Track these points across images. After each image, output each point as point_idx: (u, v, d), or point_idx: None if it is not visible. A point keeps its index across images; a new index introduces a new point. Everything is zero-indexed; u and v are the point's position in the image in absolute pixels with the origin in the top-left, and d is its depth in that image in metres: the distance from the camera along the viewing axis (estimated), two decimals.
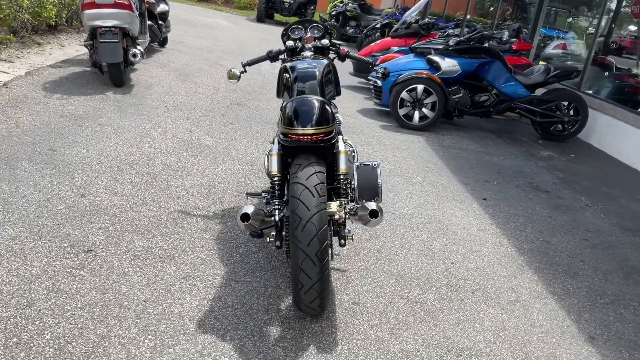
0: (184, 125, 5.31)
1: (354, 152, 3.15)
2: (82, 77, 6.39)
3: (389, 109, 7.02)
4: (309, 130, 2.46)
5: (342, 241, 2.62)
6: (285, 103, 2.62)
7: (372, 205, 2.47)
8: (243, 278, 2.84)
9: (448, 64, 6.68)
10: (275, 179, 2.60)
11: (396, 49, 8.70)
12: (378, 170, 2.64)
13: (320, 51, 3.39)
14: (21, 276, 2.56)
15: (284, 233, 2.57)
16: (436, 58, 6.73)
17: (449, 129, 7.01)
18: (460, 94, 6.75)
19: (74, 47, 8.31)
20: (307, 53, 3.19)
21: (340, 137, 2.71)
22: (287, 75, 2.97)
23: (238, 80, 3.32)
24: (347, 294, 2.85)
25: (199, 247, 3.08)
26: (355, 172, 2.64)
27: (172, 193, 3.73)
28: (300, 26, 3.45)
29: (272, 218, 2.56)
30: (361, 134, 6.10)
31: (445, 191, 4.62)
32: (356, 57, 3.47)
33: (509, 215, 4.31)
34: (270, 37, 14.01)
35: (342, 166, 2.61)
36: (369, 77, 7.36)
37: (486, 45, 6.98)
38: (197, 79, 7.38)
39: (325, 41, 3.35)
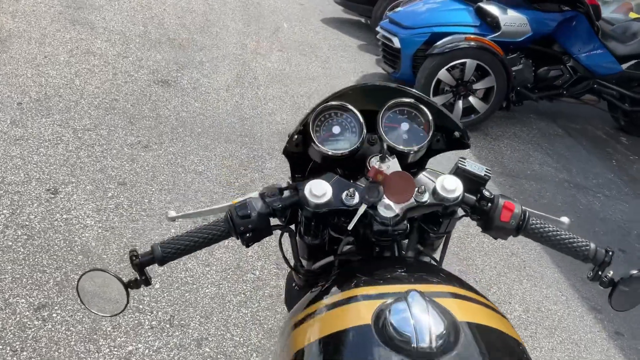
0: (50, 170, 2.62)
1: None
2: None
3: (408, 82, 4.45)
4: None
5: None
6: None
7: None
8: None
9: (512, 21, 4.06)
10: None
11: None
12: None
13: (429, 223, 0.89)
14: None
15: None
16: (493, 9, 4.08)
17: (498, 121, 4.55)
18: (520, 66, 4.23)
19: None
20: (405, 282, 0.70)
21: None
22: None
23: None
24: None
25: None
26: None
27: None
28: (352, 109, 0.90)
29: None
30: None
31: (579, 345, 2.33)
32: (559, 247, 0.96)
33: None
34: None
35: None
36: (378, 29, 4.64)
37: None
38: (97, 16, 4.44)
39: (453, 188, 0.84)
